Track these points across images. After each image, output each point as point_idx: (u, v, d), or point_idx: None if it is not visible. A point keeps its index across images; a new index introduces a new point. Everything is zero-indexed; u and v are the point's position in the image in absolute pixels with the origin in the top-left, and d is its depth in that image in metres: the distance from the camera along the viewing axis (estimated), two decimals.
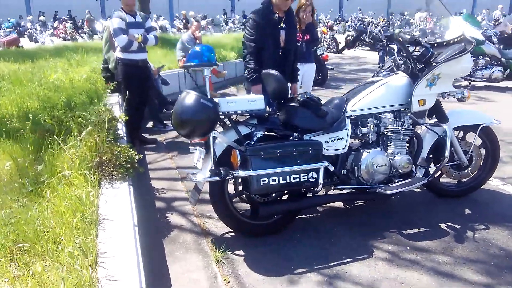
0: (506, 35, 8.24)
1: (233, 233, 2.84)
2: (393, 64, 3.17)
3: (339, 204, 3.24)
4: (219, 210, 2.69)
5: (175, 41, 8.33)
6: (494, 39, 7.93)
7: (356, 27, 17.99)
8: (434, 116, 3.11)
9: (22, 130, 3.36)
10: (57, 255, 1.89)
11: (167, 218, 3.06)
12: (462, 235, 2.77)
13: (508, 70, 7.45)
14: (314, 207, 3.07)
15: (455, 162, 3.16)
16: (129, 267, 1.81)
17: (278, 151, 2.45)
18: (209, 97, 2.47)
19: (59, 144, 2.88)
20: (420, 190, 3.47)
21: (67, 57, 7.31)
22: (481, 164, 3.27)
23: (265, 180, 2.42)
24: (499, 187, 3.49)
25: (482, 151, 3.27)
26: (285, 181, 2.46)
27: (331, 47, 14.27)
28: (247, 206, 2.92)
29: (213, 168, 2.49)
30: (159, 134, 5.30)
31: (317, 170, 2.55)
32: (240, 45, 4.84)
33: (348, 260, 2.52)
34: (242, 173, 2.41)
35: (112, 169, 2.70)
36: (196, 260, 2.54)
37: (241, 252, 2.62)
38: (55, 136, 2.94)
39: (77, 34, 19.51)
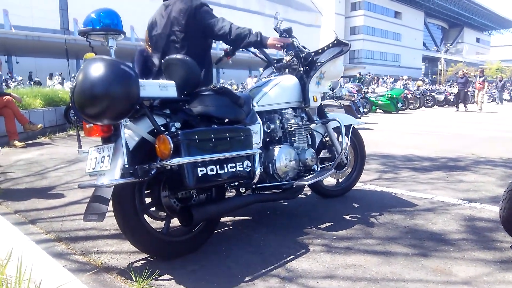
0: None
1: (142, 260, 2.20)
2: (274, 69, 3.21)
3: (241, 214, 2.95)
4: (130, 227, 2.05)
5: None
6: None
7: None
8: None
9: None
10: None
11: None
12: (368, 222, 2.85)
13: None
14: (245, 207, 2.67)
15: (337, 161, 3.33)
16: None
17: (212, 135, 2.04)
18: None
19: None
20: (304, 195, 3.51)
21: None
22: (353, 162, 3.55)
23: (203, 170, 1.96)
24: (362, 188, 3.84)
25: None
26: (222, 171, 2.05)
27: None
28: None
29: (126, 166, 1.90)
30: None
31: (251, 158, 2.24)
32: None
33: (291, 257, 2.25)
34: (177, 160, 1.88)
35: None
36: None
37: (169, 276, 2.02)
38: None
39: None
